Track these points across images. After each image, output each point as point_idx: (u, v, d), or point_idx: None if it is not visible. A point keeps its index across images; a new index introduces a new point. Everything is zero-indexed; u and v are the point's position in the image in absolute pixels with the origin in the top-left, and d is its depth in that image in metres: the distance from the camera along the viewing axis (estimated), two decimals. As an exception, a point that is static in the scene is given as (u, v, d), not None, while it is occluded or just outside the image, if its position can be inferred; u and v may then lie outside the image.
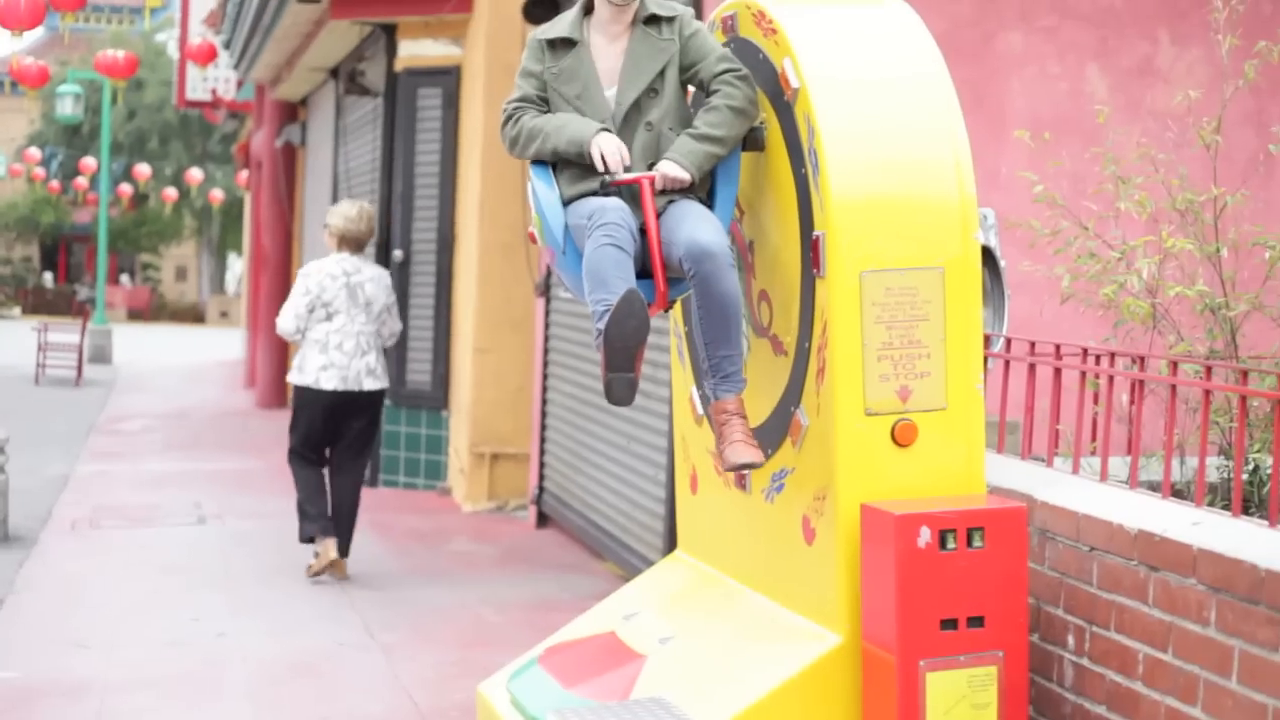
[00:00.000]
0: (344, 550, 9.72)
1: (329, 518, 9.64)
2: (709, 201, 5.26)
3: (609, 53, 5.30)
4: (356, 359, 9.46)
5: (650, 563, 8.25)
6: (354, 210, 9.70)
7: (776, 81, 5.09)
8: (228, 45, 20.32)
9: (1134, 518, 4.73)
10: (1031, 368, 5.67)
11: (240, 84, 23.60)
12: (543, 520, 11.80)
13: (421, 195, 13.58)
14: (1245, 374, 4.82)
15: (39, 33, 48.43)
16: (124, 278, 60.60)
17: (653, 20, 5.29)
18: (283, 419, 18.64)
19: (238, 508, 12.51)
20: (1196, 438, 4.99)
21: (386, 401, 13.55)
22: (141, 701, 7.20)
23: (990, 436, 5.71)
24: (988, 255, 6.43)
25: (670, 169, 5.12)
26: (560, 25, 5.36)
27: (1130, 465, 5.15)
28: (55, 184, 51.15)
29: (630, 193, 5.16)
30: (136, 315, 55.54)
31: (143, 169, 43.46)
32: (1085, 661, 4.91)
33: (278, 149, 21.03)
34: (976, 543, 4.72)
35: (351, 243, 9.64)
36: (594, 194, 5.14)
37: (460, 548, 10.98)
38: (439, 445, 13.52)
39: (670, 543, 7.80)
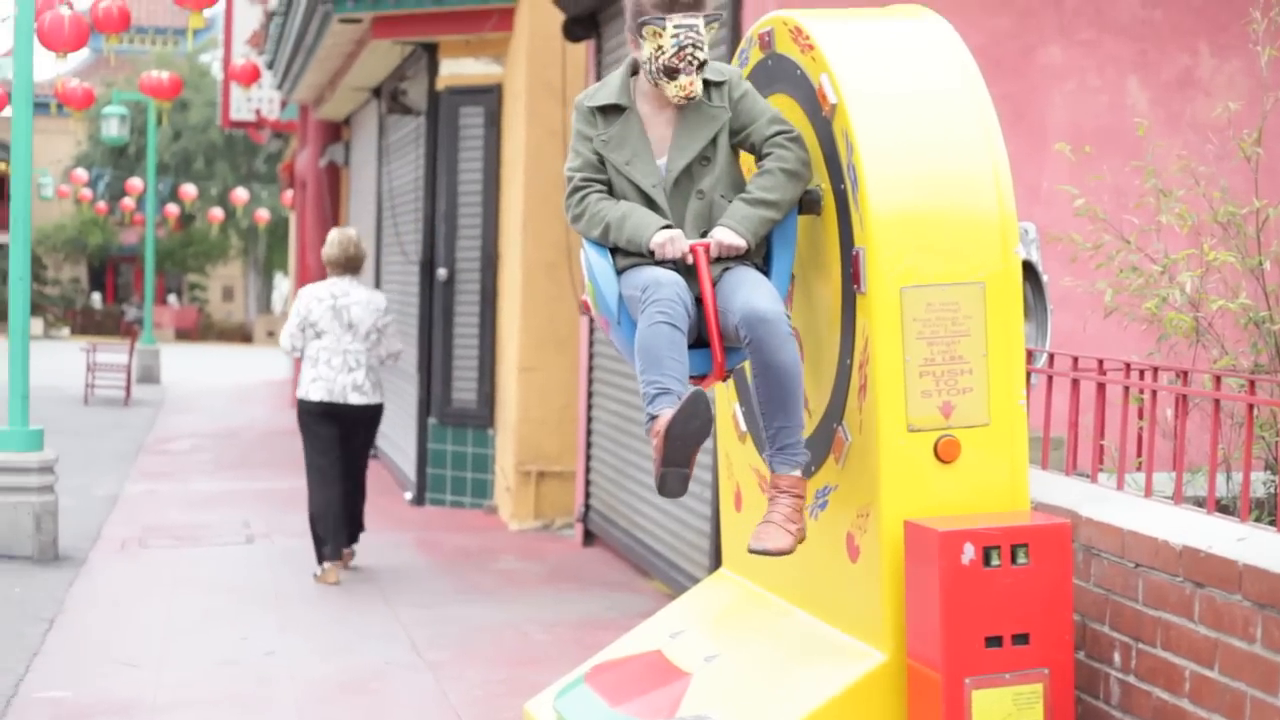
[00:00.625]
0: (348, 541, 10.59)
1: (336, 541, 10.38)
2: (765, 267, 5.18)
3: (658, 119, 5.16)
4: (343, 374, 10.22)
5: (696, 580, 8.25)
6: (339, 238, 10.49)
7: (814, 97, 5.09)
8: (271, 66, 20.44)
9: (1179, 533, 4.71)
10: (1075, 383, 5.65)
11: (284, 104, 23.74)
12: (589, 538, 11.81)
13: (465, 214, 13.63)
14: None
15: (84, 55, 48.79)
16: (171, 298, 60.94)
17: (703, 86, 5.12)
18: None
19: (286, 526, 12.56)
20: (1241, 452, 4.97)
21: (432, 420, 13.64)
22: (190, 721, 7.24)
23: (1034, 452, 5.69)
24: (1029, 270, 6.42)
25: (725, 235, 5.02)
26: (607, 90, 5.23)
27: (1175, 481, 5.13)
28: (102, 205, 51.47)
29: (685, 261, 5.05)
30: (184, 335, 55.83)
31: (189, 189, 43.71)
32: (1131, 679, 4.89)
33: (322, 168, 21.13)
34: (1021, 559, 4.71)
35: (339, 267, 10.40)
36: (648, 263, 5.04)
37: (507, 566, 11.00)
38: (485, 464, 13.55)
39: (715, 560, 7.81)
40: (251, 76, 23.02)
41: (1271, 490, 5.53)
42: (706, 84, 5.11)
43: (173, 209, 46.86)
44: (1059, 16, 8.35)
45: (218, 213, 48.04)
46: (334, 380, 10.21)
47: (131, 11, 15.06)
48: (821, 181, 5.12)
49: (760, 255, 5.14)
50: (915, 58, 5.14)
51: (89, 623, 9.14)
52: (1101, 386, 5.56)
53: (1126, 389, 5.54)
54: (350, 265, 10.46)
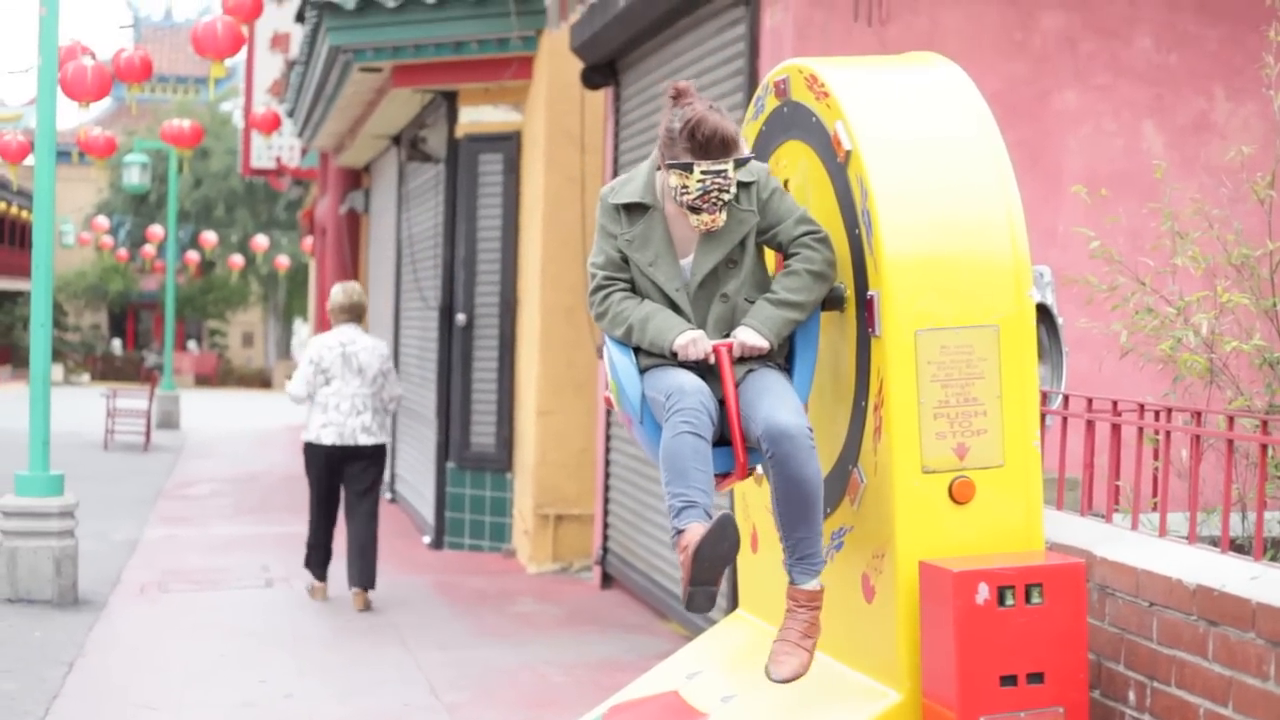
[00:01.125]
0: (368, 583, 10.97)
1: (326, 564, 11.30)
2: (788, 366, 5.20)
3: (683, 220, 5.10)
4: (352, 418, 10.80)
5: (713, 622, 8.27)
6: (345, 289, 11.10)
7: (829, 144, 5.15)
8: (291, 114, 20.56)
9: (1192, 572, 4.74)
10: (1090, 424, 5.69)
11: (304, 152, 23.87)
12: (607, 581, 11.83)
13: (484, 259, 13.69)
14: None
15: (106, 104, 49.06)
16: (191, 344, 61.11)
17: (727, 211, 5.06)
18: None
19: (304, 570, 12.58)
20: (1255, 492, 4.99)
21: (451, 464, 13.68)
22: (210, 764, 7.27)
23: (1050, 493, 5.72)
24: (1045, 312, 6.46)
25: (748, 336, 5.04)
26: (632, 187, 5.20)
27: (1189, 520, 5.16)
28: (123, 252, 51.68)
29: (708, 361, 5.06)
30: (204, 381, 55.97)
31: (209, 236, 43.89)
32: (1146, 718, 4.91)
33: (342, 215, 21.24)
34: (1035, 599, 4.74)
35: (345, 316, 10.98)
36: (671, 364, 5.06)
37: (525, 608, 11.02)
38: (504, 507, 13.59)
39: (732, 602, 7.83)
40: (272, 125, 23.15)
41: (1285, 530, 5.55)
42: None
43: (193, 256, 47.06)
44: (1074, 61, 8.41)
45: (238, 259, 48.22)
46: (344, 424, 10.77)
47: (153, 61, 15.17)
48: (837, 226, 5.17)
49: (783, 355, 5.16)
50: (930, 104, 5.20)
51: (108, 666, 9.18)
52: (1116, 427, 5.59)
53: (1141, 430, 5.57)
54: (355, 313, 11.01)
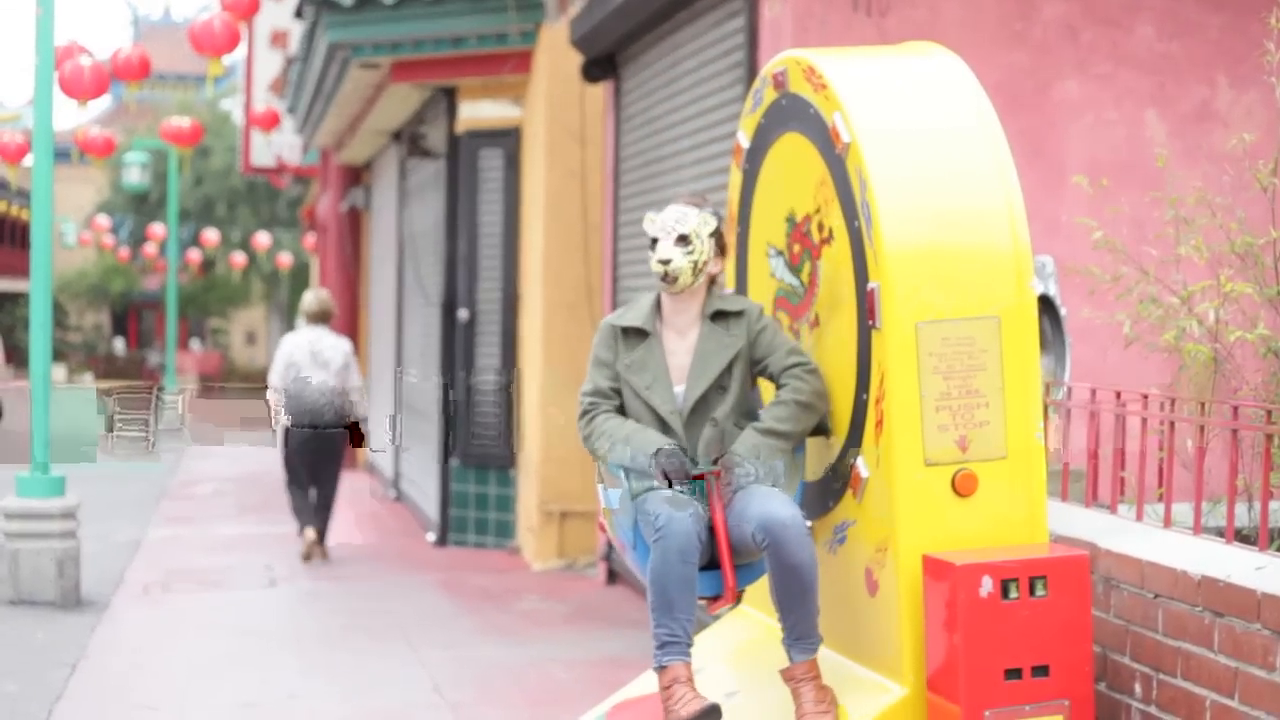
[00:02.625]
0: (321, 537, 12.95)
1: (310, 518, 12.95)
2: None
3: (679, 348, 5.38)
4: (321, 404, 12.45)
5: (717, 618, 8.23)
6: (316, 295, 12.99)
7: (828, 136, 5.12)
8: (291, 111, 20.53)
9: (1197, 563, 4.71)
10: (1094, 415, 5.66)
11: (305, 149, 23.82)
12: (612, 577, 11.79)
13: (485, 255, 13.66)
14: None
15: (105, 103, 49.04)
16: (194, 343, 61.08)
17: (720, 315, 5.37)
18: (350, 482, 18.78)
19: (308, 570, 12.57)
20: (1261, 482, 4.96)
21: (454, 461, 13.67)
22: (213, 764, 7.25)
23: (1054, 485, 5.69)
24: (1048, 303, 6.43)
25: (733, 460, 5.21)
26: (634, 313, 5.47)
27: (1194, 511, 5.13)
28: (124, 252, 51.63)
29: (698, 485, 5.23)
30: (207, 380, 55.97)
31: (210, 235, 43.83)
32: (1153, 709, 4.88)
33: (343, 213, 21.20)
34: (1039, 591, 4.72)
35: (315, 319, 12.82)
36: (662, 490, 5.20)
37: (529, 606, 10.99)
38: (508, 504, 13.56)
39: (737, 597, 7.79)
40: (272, 122, 23.10)
41: (1291, 520, 5.51)
42: (724, 314, 5.36)
43: (195, 255, 47.01)
44: (1075, 51, 8.37)
45: (240, 258, 48.17)
46: (314, 410, 12.44)
47: (151, 59, 15.12)
48: (836, 219, 5.13)
49: (769, 484, 5.24)
50: (929, 95, 5.17)
51: (111, 667, 9.15)
52: (1121, 418, 5.56)
53: (1145, 420, 5.54)
54: (323, 317, 12.88)
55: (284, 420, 12.38)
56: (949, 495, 4.89)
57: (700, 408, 5.31)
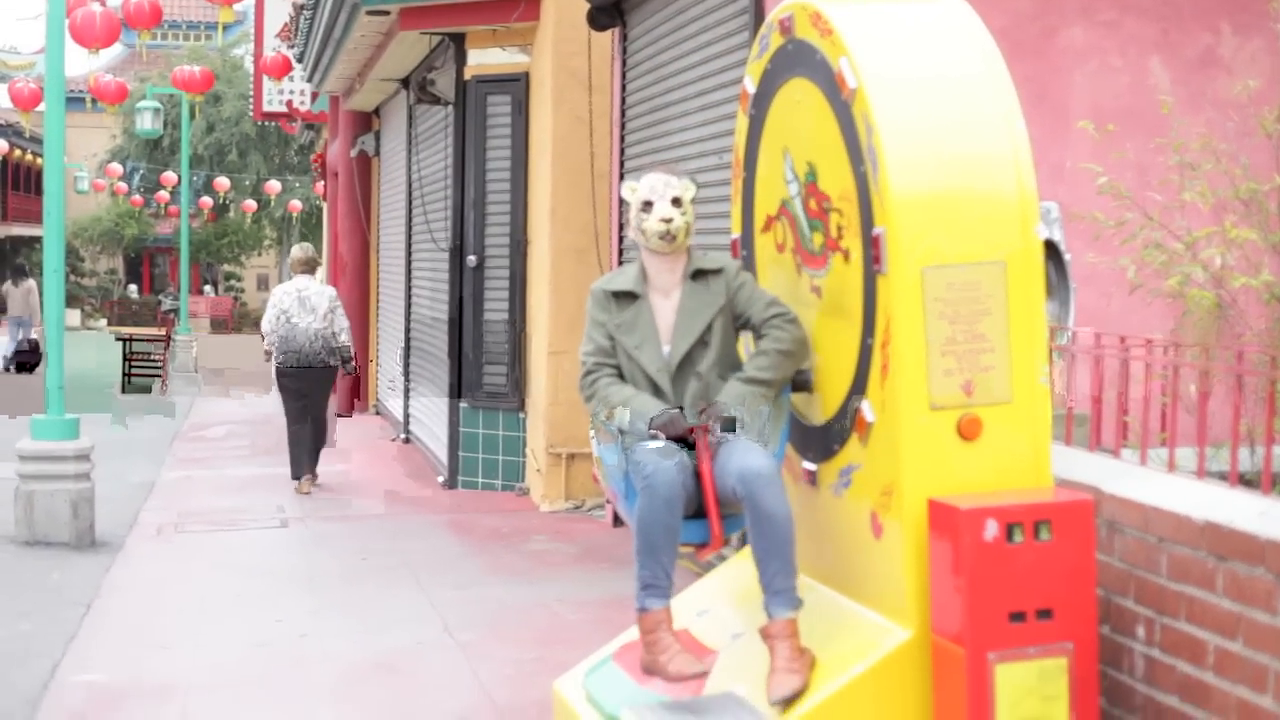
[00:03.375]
0: (312, 467, 14.06)
1: (303, 468, 14.03)
2: (760, 442, 5.47)
3: (665, 308, 5.63)
4: (308, 345, 13.73)
5: (724, 559, 8.29)
6: (301, 248, 14.31)
7: (834, 81, 5.14)
8: (300, 58, 20.51)
9: (1201, 508, 4.74)
10: (1098, 359, 5.69)
11: (315, 96, 23.80)
12: (619, 519, 11.85)
13: (493, 201, 13.67)
14: (1309, 362, 4.83)
15: (117, 50, 48.93)
16: (207, 288, 61.15)
17: (700, 274, 5.62)
18: (363, 425, 18.85)
19: (319, 511, 12.66)
20: (1265, 427, 5.00)
21: (463, 404, 13.73)
22: (225, 702, 7.32)
23: (1059, 429, 5.73)
24: (1052, 249, 6.46)
25: (721, 411, 5.39)
26: (623, 278, 5.73)
27: (1198, 456, 5.17)
28: (137, 198, 51.69)
29: (685, 437, 5.42)
30: (220, 325, 56.03)
31: (222, 181, 43.90)
32: (1156, 652, 4.93)
33: (353, 159, 21.20)
34: (1044, 535, 4.75)
35: (301, 268, 14.13)
36: (652, 441, 5.38)
37: (538, 547, 11.06)
38: (516, 446, 13.60)
39: (742, 539, 7.85)
40: (283, 69, 23.09)
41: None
42: (704, 273, 5.61)
43: (207, 200, 47.07)
44: (1081, -3, 8.37)
45: (251, 204, 48.20)
46: (302, 351, 13.71)
47: (163, 7, 15.13)
48: (842, 164, 5.15)
49: (755, 431, 5.43)
50: (935, 40, 5.18)
51: (125, 607, 9.24)
52: (1125, 363, 5.60)
53: (1148, 365, 5.58)
54: (309, 267, 14.15)
55: (277, 359, 13.86)
56: (954, 439, 4.93)
57: (686, 363, 5.55)
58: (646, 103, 11.08)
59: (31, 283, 28.82)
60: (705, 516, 5.43)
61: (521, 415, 13.55)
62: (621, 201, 5.59)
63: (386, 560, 10.53)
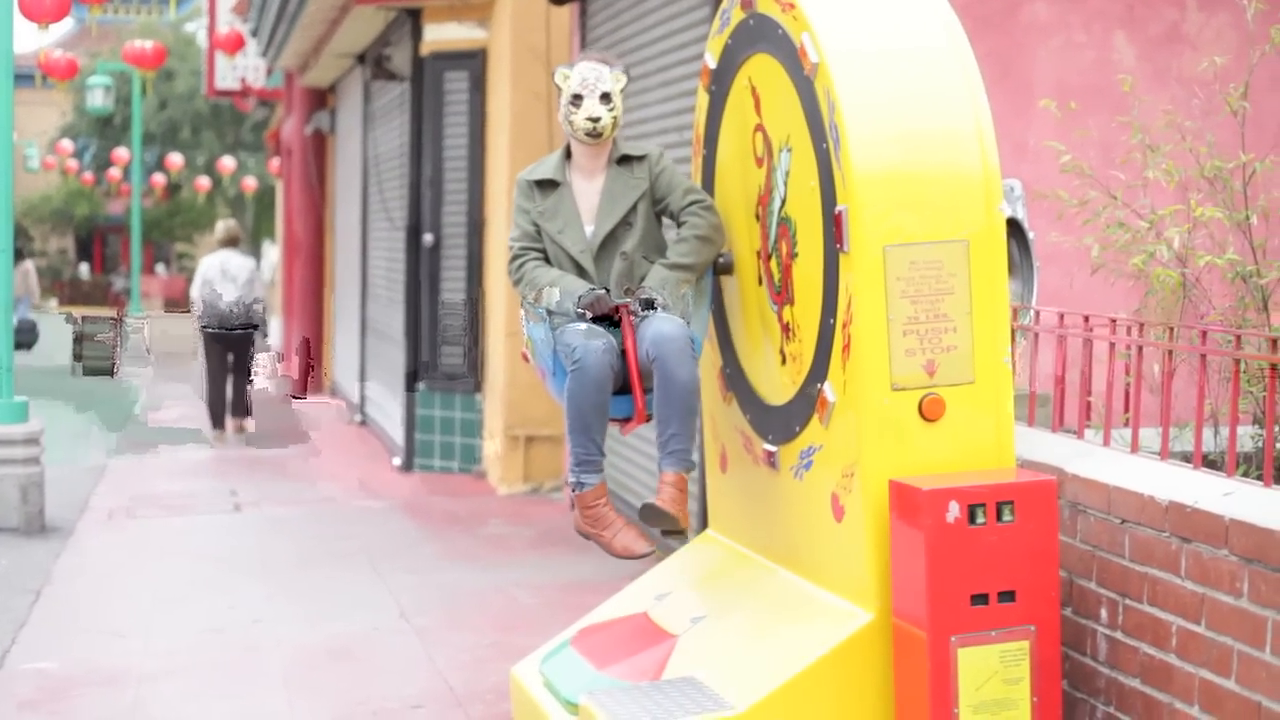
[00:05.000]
0: (243, 413, 16.33)
1: (221, 417, 16.19)
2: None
3: (588, 190, 5.75)
4: (229, 311, 15.73)
5: (683, 541, 8.22)
6: (222, 225, 16.66)
7: (796, 56, 5.05)
8: (255, 33, 20.34)
9: (1165, 489, 4.69)
10: (1061, 339, 5.63)
11: (269, 72, 23.62)
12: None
13: (450, 179, 13.57)
14: (1275, 342, 4.77)
15: (67, 25, 48.51)
16: (159, 267, 60.75)
17: (625, 160, 5.76)
18: (319, 408, 18.74)
19: (273, 494, 12.56)
20: (1229, 407, 4.94)
21: (420, 385, 13.64)
22: (178, 689, 7.22)
23: (1021, 409, 5.66)
24: (1015, 227, 6.39)
25: (644, 294, 5.55)
26: (544, 167, 5.83)
27: (1162, 436, 5.11)
28: (88, 176, 51.27)
29: (611, 315, 5.58)
30: (173, 304, 55.64)
31: (175, 159, 43.53)
32: (1119, 635, 4.87)
33: (307, 136, 21.04)
34: (1006, 517, 4.68)
35: (224, 243, 16.26)
36: (579, 321, 5.54)
37: (496, 530, 10.98)
38: (473, 428, 13.52)
39: (702, 522, 7.78)
40: (236, 45, 22.90)
41: (1259, 444, 5.50)
42: (628, 158, 5.76)
43: (159, 179, 46.68)
44: (1044, -28, 8.29)
45: (204, 182, 47.85)
46: (224, 315, 15.71)
47: (113, -20, 14.97)
48: (804, 140, 5.07)
49: (679, 311, 5.58)
50: (898, 15, 5.09)
51: (76, 593, 9.12)
52: (1088, 343, 5.54)
53: (1112, 345, 5.51)
54: (232, 241, 16.29)
55: (202, 323, 15.90)
56: (916, 420, 4.85)
57: (610, 243, 5.68)
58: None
59: (29, 264, 29.11)
60: (629, 392, 5.61)
61: (479, 397, 13.46)
62: (557, 88, 5.78)
63: (341, 545, 10.43)
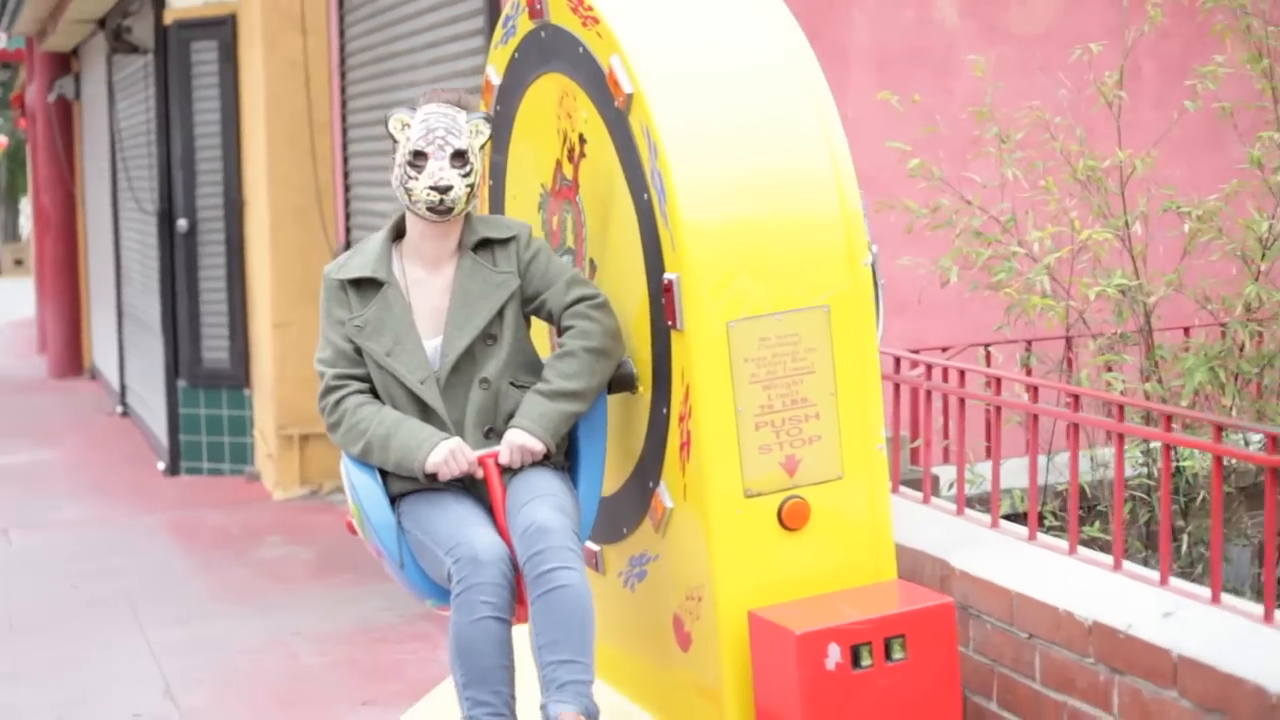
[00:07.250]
0: None
1: None
2: (568, 464, 4.29)
3: (429, 289, 4.23)
4: None
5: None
6: None
7: (604, 84, 4.04)
8: (-12, -3, 18.83)
9: (1085, 602, 3.82)
10: (915, 390, 4.79)
11: (8, 37, 22.08)
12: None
13: (204, 158, 12.40)
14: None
15: None
16: (-93, 229, 58.11)
17: (484, 245, 4.25)
18: (77, 395, 17.48)
19: (23, 517, 11.27)
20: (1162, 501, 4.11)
21: (182, 382, 12.74)
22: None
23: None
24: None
25: (521, 438, 4.11)
26: (361, 260, 4.28)
27: (1029, 516, 4.27)
28: None
29: (474, 475, 4.16)
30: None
31: (-83, 118, 41.32)
32: (1030, 768, 4.01)
33: (51, 104, 19.59)
34: (897, 654, 3.79)
35: None
36: (433, 487, 4.15)
37: (272, 553, 9.90)
38: (243, 427, 12.43)
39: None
40: (-32, 5, 21.27)
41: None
42: (490, 242, 4.26)
43: (-98, 139, 44.43)
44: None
45: (-48, 139, 45.63)
46: None
47: None
48: (621, 190, 4.08)
49: (563, 453, 4.22)
50: (724, 26, 4.11)
51: None
52: (929, 394, 4.69)
53: (962, 400, 4.66)
54: None
55: None
56: (775, 531, 3.92)
57: (465, 365, 4.19)
58: (369, 51, 9.96)
59: None
60: None
61: (247, 393, 12.38)
62: (392, 140, 4.21)
63: (99, 586, 9.24)
